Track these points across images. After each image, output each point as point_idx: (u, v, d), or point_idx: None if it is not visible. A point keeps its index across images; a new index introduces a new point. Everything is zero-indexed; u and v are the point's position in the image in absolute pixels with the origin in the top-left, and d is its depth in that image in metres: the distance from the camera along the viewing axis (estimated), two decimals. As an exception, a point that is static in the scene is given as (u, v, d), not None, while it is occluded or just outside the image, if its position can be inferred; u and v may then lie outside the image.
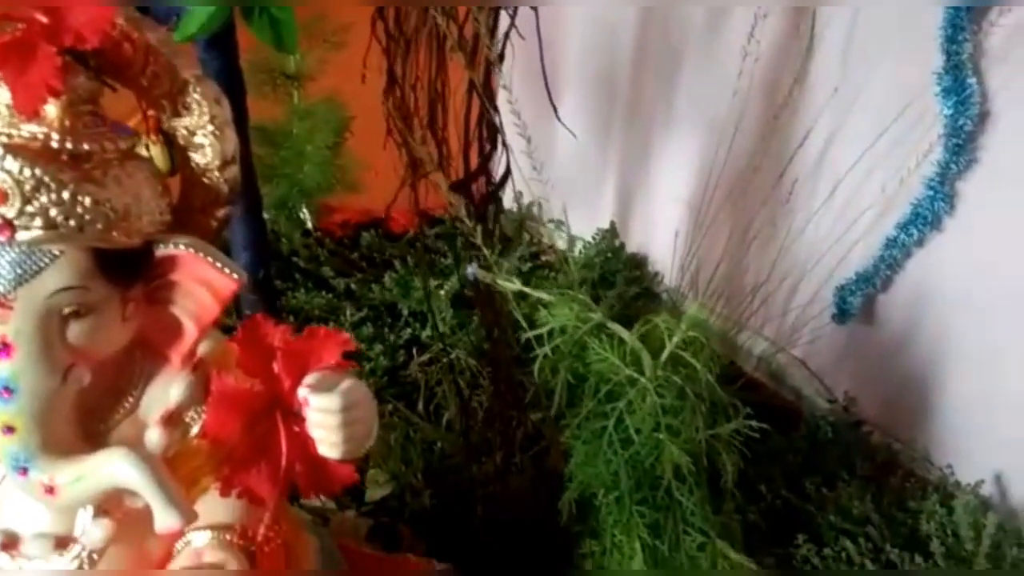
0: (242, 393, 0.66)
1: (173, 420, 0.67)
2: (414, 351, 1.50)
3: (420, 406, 1.38)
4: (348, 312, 1.56)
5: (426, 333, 1.55)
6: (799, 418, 1.44)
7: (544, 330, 0.81)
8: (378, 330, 1.56)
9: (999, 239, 1.18)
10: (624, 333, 0.80)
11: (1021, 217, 1.14)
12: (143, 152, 0.69)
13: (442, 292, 1.58)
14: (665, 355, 0.81)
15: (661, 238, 1.61)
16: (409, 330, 1.56)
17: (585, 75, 1.96)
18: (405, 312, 1.62)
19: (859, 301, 1.33)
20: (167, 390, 0.68)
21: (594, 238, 1.94)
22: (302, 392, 0.64)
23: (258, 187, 1.09)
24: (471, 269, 0.85)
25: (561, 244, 2.10)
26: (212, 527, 0.65)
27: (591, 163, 2.02)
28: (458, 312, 1.57)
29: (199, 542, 0.65)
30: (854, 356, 1.44)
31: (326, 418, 0.63)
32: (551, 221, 2.14)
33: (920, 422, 1.34)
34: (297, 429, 0.67)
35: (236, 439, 0.66)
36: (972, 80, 1.13)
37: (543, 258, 2.00)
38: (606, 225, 1.95)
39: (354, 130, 1.63)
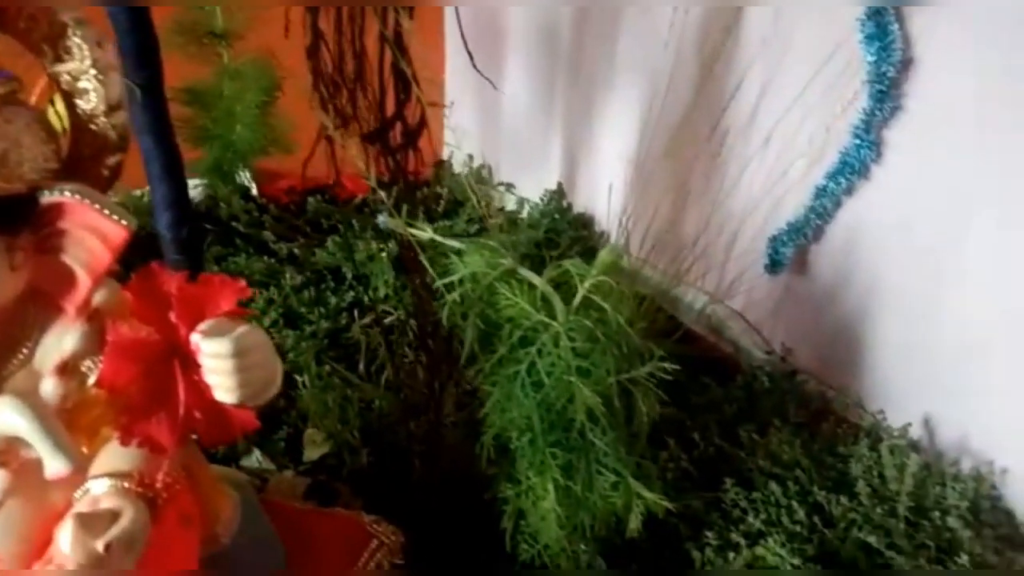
0: (138, 342, 0.66)
1: (68, 370, 0.66)
2: (356, 314, 1.50)
3: (361, 367, 1.37)
4: (288, 276, 1.55)
5: (369, 296, 1.54)
6: (737, 369, 1.46)
7: (455, 277, 0.81)
8: (320, 294, 1.55)
9: (925, 186, 1.20)
10: (535, 278, 0.81)
11: (946, 164, 1.16)
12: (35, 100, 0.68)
13: (384, 254, 1.57)
14: (577, 300, 0.81)
15: (605, 197, 1.61)
16: (352, 293, 1.55)
17: (528, 35, 1.95)
18: (349, 276, 1.61)
19: (791, 252, 1.34)
20: (62, 340, 0.67)
21: (542, 199, 1.94)
22: (194, 338, 0.64)
23: (176, 145, 1.08)
24: (382, 218, 0.85)
25: (511, 207, 2.10)
26: (111, 475, 0.65)
27: (538, 125, 2.01)
28: (400, 275, 1.57)
29: (98, 490, 0.64)
30: (790, 307, 1.46)
31: (219, 363, 0.63)
32: (500, 184, 2.14)
33: (853, 370, 1.36)
34: (195, 377, 0.66)
35: (133, 388, 0.65)
36: (895, 26, 1.14)
37: (492, 221, 2.00)
38: (554, 186, 1.95)
39: (287, 89, 1.60)
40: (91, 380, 0.68)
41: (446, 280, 0.81)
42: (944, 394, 1.25)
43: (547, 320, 0.80)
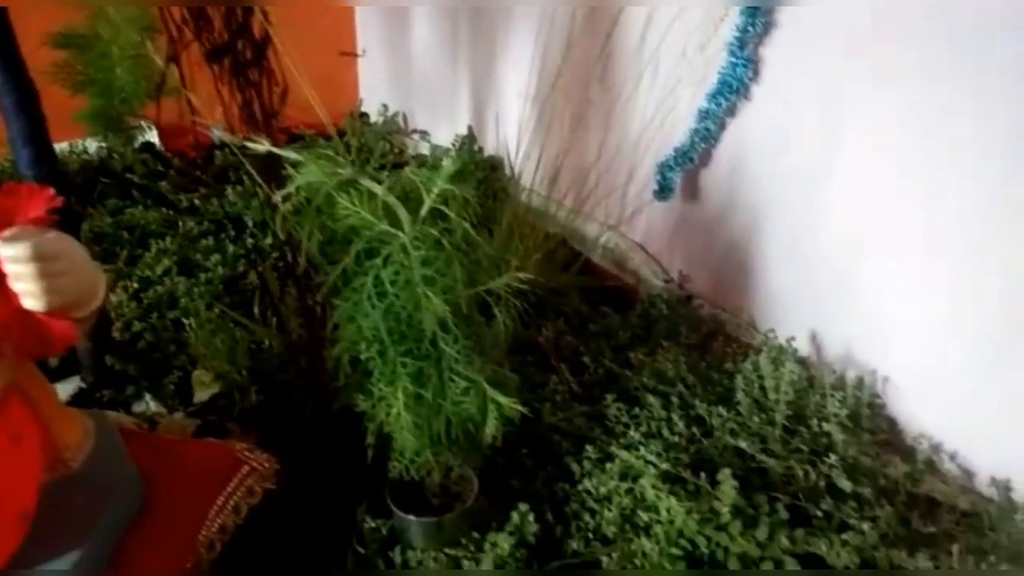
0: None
1: None
2: (254, 259, 1.48)
3: (256, 311, 1.36)
4: (184, 225, 1.52)
5: (268, 241, 1.52)
6: (637, 298, 1.48)
7: (291, 188, 0.80)
8: (219, 242, 1.53)
9: (802, 104, 1.20)
10: (375, 187, 0.80)
11: (821, 80, 1.16)
12: None
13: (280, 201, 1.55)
14: (424, 210, 0.80)
15: (513, 138, 1.60)
16: (252, 240, 1.53)
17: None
18: (250, 224, 1.59)
19: (679, 177, 1.35)
20: None
21: (453, 144, 1.92)
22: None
23: (30, 80, 1.05)
24: (216, 131, 0.83)
25: (426, 153, 2.09)
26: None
27: (447, 72, 1.99)
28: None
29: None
30: (686, 235, 1.48)
31: (21, 268, 0.62)
32: (414, 131, 2.12)
33: (744, 291, 1.38)
34: (2, 285, 0.65)
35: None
36: (763, -60, 1.14)
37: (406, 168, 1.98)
38: (465, 132, 1.94)
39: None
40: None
41: (282, 192, 0.80)
42: (829, 310, 1.27)
43: (392, 230, 0.79)
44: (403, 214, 0.80)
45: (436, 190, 0.80)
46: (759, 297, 1.36)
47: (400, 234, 0.79)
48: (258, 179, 0.83)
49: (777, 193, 1.28)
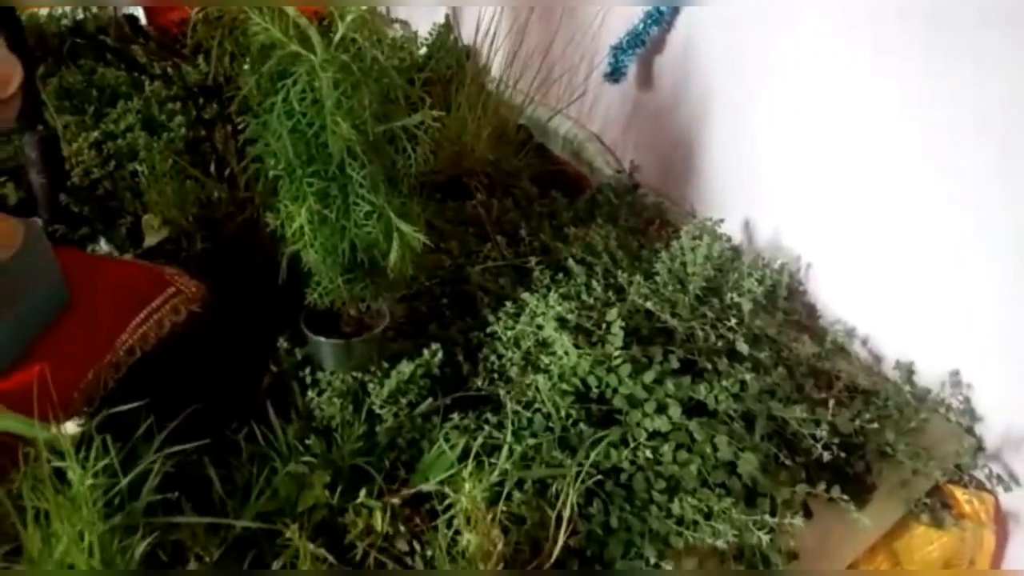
0: None
1: None
2: (216, 124, 1.52)
3: (212, 169, 1.40)
4: (151, 87, 1.56)
5: (233, 109, 1.55)
6: (589, 187, 1.51)
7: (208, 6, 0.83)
8: (185, 107, 1.56)
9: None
10: (288, 8, 0.83)
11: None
12: None
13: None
14: (337, 37, 0.83)
15: (486, 29, 1.61)
16: (217, 107, 1.57)
17: None
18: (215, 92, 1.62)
19: (631, 61, 1.36)
20: None
21: (430, 33, 1.93)
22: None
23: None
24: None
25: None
26: None
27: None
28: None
29: None
30: (638, 124, 1.50)
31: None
32: (395, 21, 2.13)
33: (687, 181, 1.41)
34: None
35: None
36: None
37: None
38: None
39: None
40: None
41: (198, 11, 0.83)
42: (762, 200, 1.30)
43: (303, 51, 0.82)
44: (314, 35, 0.83)
45: (350, 16, 0.83)
46: (700, 186, 1.39)
47: (311, 56, 0.82)
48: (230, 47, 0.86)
49: (722, 84, 1.29)
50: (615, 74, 1.38)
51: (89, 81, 1.59)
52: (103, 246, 1.29)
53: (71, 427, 0.73)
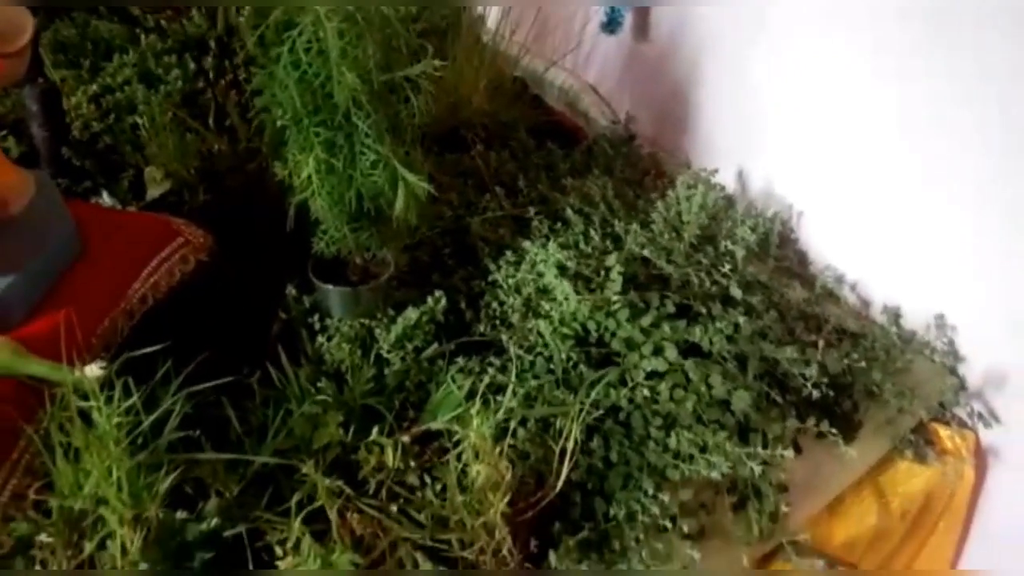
0: None
1: None
2: (211, 77, 1.52)
3: (211, 122, 1.41)
4: (147, 39, 1.55)
5: (229, 62, 1.55)
6: (584, 137, 1.53)
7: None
8: (181, 60, 1.56)
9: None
10: (292, -42, 0.84)
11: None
12: None
13: (242, 19, 1.58)
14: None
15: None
16: (213, 60, 1.56)
17: None
18: (213, 45, 1.62)
19: (627, 11, 1.37)
20: None
21: (424, -15, 1.92)
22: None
23: None
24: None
25: None
26: None
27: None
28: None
29: None
30: (635, 76, 1.51)
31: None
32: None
33: (682, 132, 1.43)
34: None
35: None
36: None
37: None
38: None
39: None
40: None
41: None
42: (755, 149, 1.33)
43: (307, 1, 0.83)
44: (321, -13, 0.84)
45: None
46: (695, 137, 1.41)
47: (316, 6, 0.84)
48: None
49: (719, 37, 1.31)
50: (611, 25, 1.39)
51: (83, 34, 1.58)
52: (106, 199, 1.30)
53: (94, 370, 0.76)
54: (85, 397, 0.76)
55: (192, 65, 1.55)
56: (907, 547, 1.09)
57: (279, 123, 0.87)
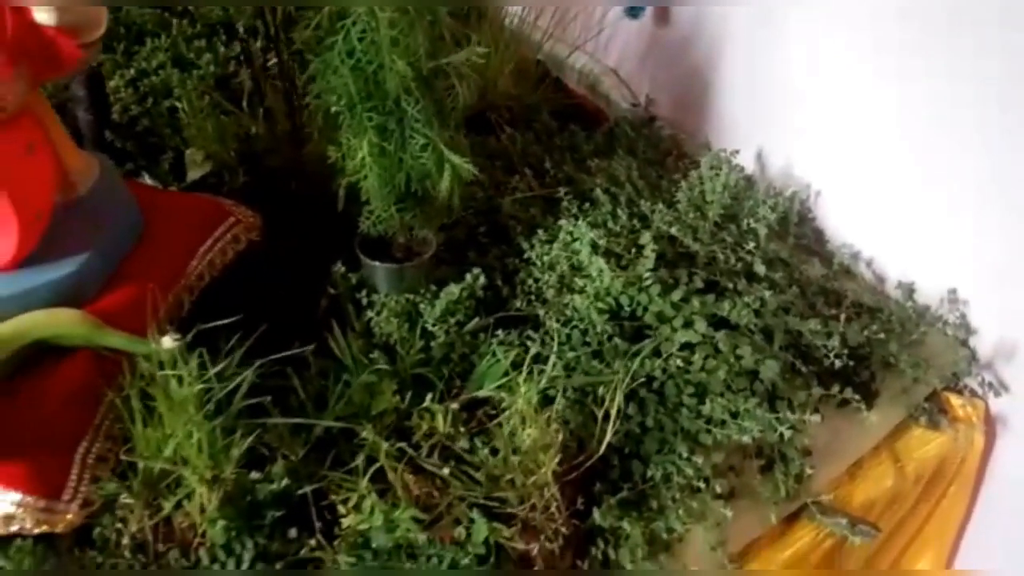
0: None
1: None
2: (242, 60, 1.56)
3: (244, 105, 1.45)
4: (178, 25, 1.59)
5: (258, 45, 1.59)
6: (605, 120, 1.57)
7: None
8: (211, 44, 1.60)
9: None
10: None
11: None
12: None
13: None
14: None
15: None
16: (241, 44, 1.60)
17: None
18: (240, 30, 1.65)
19: (649, -3, 1.41)
20: None
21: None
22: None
23: None
24: None
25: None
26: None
27: None
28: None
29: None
30: (655, 60, 1.56)
31: (32, -18, 0.72)
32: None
33: (702, 114, 1.48)
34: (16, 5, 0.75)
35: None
36: None
37: None
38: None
39: None
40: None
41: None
42: (775, 130, 1.38)
43: (360, -8, 0.88)
44: (371, -24, 0.88)
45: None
46: (715, 119, 1.46)
47: (369, -2, 0.88)
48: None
49: (737, 21, 1.35)
50: (634, 10, 1.43)
51: (116, 19, 1.62)
52: (148, 180, 1.35)
53: (169, 342, 0.81)
54: (160, 366, 0.81)
55: (222, 49, 1.59)
56: (921, 508, 1.15)
57: (333, 109, 0.91)
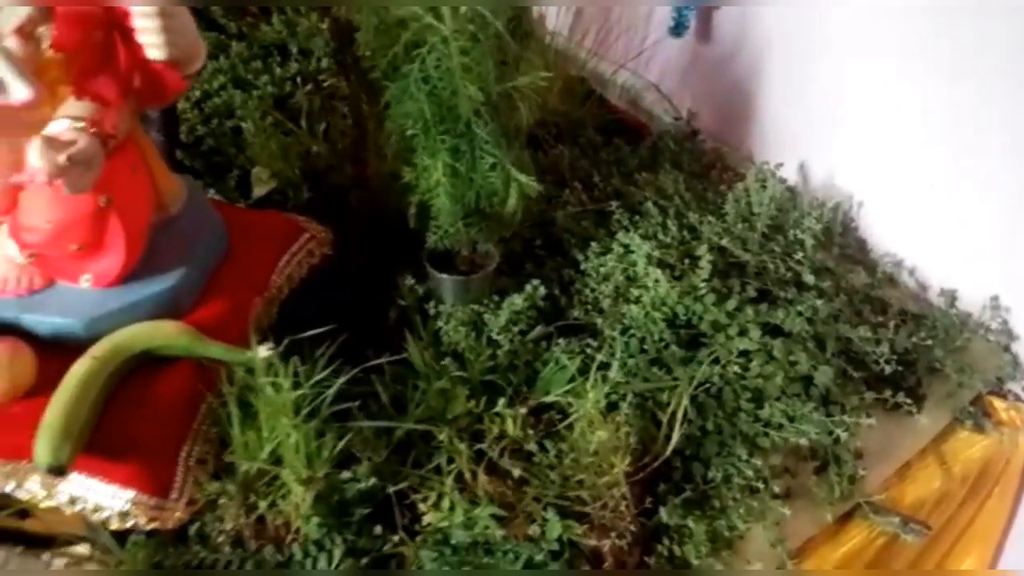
0: (82, 11, 0.80)
1: (24, 32, 0.80)
2: (299, 82, 1.62)
3: (303, 124, 1.52)
4: (236, 47, 1.66)
5: (312, 66, 1.66)
6: (648, 134, 1.63)
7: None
8: (267, 65, 1.67)
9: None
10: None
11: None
12: None
13: (324, 28, 1.68)
14: (463, 8, 0.95)
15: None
16: (296, 65, 1.67)
17: None
18: (294, 51, 1.73)
19: (692, 14, 1.46)
20: (15, 10, 0.80)
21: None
22: (126, 5, 0.78)
23: None
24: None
25: None
26: (69, 118, 0.81)
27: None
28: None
29: (58, 128, 0.80)
30: (697, 75, 1.60)
31: (147, 22, 0.78)
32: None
33: (744, 127, 1.53)
34: (132, 41, 0.81)
35: (81, 49, 0.80)
36: None
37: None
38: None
39: None
40: (45, 44, 0.81)
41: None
42: (817, 143, 1.42)
43: (435, 23, 0.94)
44: (445, 8, 0.94)
45: (476, -9, 0.94)
46: (757, 132, 1.51)
47: (442, 27, 0.94)
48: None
49: (779, 37, 1.40)
50: (678, 28, 1.48)
51: (177, 43, 1.69)
52: (215, 198, 1.41)
53: (263, 351, 0.87)
54: (251, 373, 0.87)
55: (278, 70, 1.66)
56: (967, 508, 1.19)
57: (408, 132, 0.97)
